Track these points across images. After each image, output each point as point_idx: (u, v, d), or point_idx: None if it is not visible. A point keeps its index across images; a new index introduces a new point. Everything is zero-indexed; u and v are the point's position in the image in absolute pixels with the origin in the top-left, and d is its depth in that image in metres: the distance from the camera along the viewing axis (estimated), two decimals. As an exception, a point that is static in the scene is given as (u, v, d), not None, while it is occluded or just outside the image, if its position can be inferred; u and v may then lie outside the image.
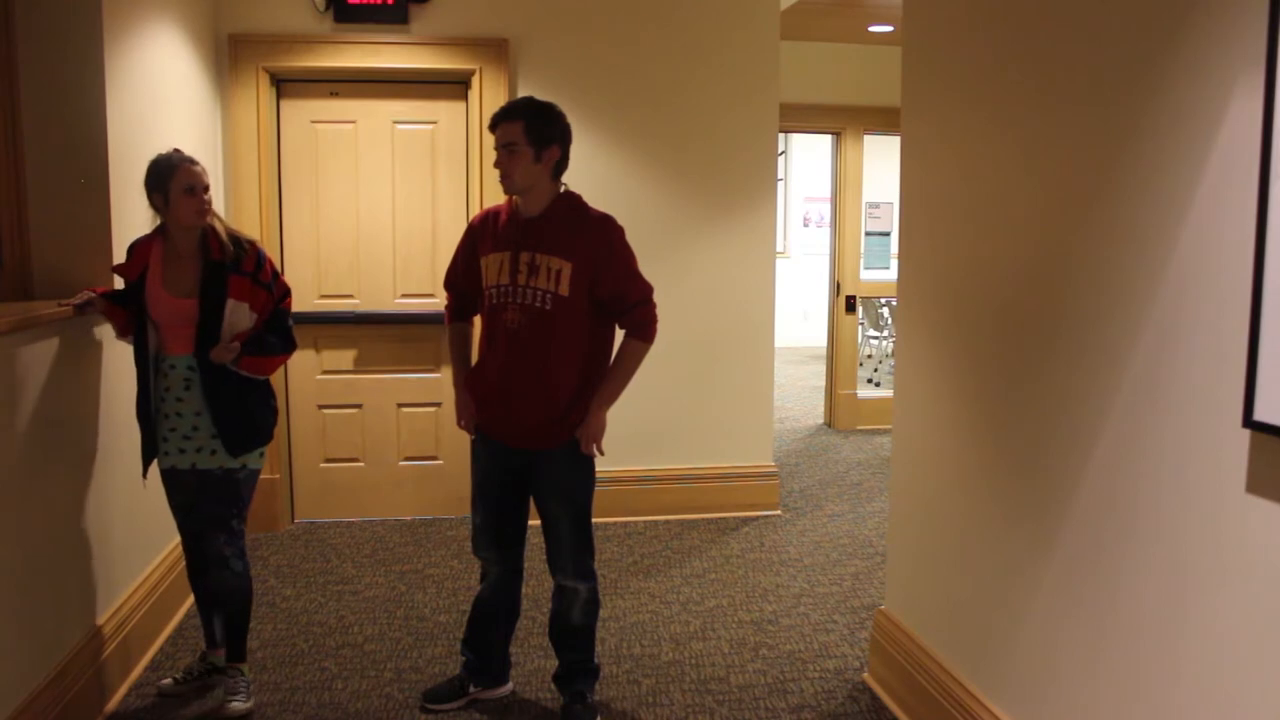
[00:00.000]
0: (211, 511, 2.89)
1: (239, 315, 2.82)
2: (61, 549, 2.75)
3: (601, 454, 2.78)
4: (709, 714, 2.97)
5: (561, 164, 2.71)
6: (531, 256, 2.68)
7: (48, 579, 2.66)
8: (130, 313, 2.84)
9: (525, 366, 2.71)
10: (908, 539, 3.03)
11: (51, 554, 2.68)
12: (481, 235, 2.81)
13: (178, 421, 2.84)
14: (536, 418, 2.73)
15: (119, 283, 2.94)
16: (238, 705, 2.89)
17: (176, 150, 2.87)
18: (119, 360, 3.07)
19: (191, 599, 3.45)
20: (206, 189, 2.81)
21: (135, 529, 3.25)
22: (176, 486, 2.93)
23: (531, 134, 2.63)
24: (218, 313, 2.80)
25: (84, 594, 2.88)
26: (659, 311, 2.81)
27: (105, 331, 3.01)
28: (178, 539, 3.67)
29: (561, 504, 2.79)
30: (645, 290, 2.76)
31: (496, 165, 2.70)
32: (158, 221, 2.85)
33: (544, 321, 2.67)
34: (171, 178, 2.76)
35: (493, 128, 2.69)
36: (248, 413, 2.87)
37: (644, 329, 2.77)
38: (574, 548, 2.81)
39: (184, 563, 3.12)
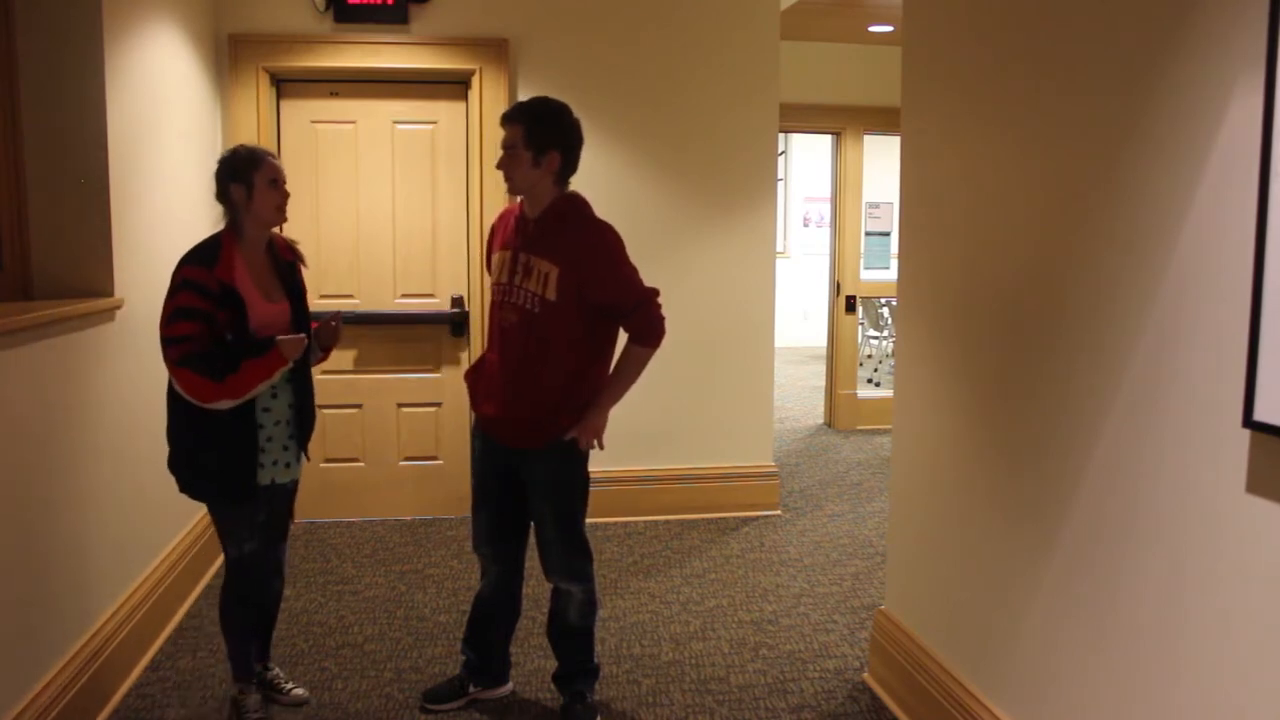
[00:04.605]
0: (284, 524, 2.91)
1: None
2: (56, 549, 2.74)
3: (601, 448, 2.77)
4: (709, 714, 2.97)
5: (566, 169, 2.68)
6: (528, 258, 2.68)
7: (42, 580, 2.66)
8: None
9: (517, 366, 2.70)
10: (908, 539, 3.03)
11: (46, 555, 2.68)
12: (497, 232, 2.85)
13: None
14: (527, 417, 2.72)
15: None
16: (300, 691, 3.00)
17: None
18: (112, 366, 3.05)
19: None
20: (286, 182, 2.70)
21: (133, 528, 3.25)
22: (254, 505, 2.71)
23: (531, 138, 2.62)
24: (308, 311, 2.80)
25: (78, 597, 2.87)
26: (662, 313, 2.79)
27: (93, 337, 2.99)
28: (175, 540, 3.67)
29: (549, 505, 2.79)
30: (643, 294, 2.70)
31: (498, 166, 2.70)
32: (223, 222, 2.63)
33: (533, 323, 2.66)
34: (257, 169, 2.60)
35: (501, 126, 2.70)
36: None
37: (645, 334, 2.72)
38: (564, 549, 2.80)
39: (229, 592, 2.78)
